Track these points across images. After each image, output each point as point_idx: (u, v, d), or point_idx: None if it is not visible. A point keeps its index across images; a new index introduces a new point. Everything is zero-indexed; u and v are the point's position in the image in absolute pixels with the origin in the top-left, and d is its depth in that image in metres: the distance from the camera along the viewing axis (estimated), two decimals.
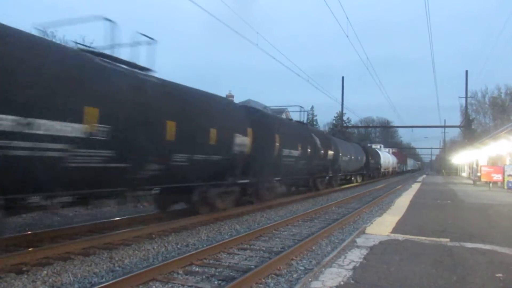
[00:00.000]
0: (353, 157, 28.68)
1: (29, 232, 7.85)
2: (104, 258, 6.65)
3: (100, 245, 7.33)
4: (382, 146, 60.99)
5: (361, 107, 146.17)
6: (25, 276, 5.58)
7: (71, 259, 6.47)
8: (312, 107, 71.29)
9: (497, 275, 5.33)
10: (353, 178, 31.38)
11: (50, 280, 5.47)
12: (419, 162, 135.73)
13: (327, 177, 21.91)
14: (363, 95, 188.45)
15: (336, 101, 43.46)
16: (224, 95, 14.28)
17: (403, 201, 15.20)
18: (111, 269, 6.13)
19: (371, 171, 37.95)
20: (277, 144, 13.89)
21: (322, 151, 19.21)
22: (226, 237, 8.62)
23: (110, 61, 7.51)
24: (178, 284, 5.44)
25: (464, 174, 56.07)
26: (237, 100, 16.55)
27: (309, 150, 17.12)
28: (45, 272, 5.77)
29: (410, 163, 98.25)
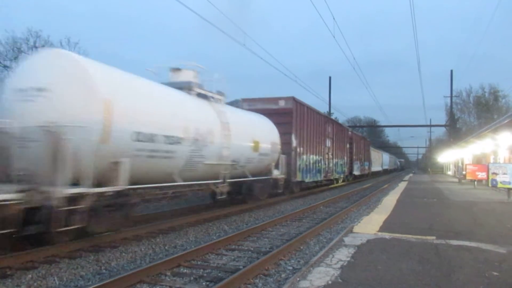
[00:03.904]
0: None
1: (13, 235, 7.70)
2: (90, 261, 6.57)
3: (87, 247, 7.24)
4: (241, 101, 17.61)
5: (349, 107, 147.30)
6: (9, 280, 5.49)
7: (56, 262, 6.38)
8: None
9: (482, 271, 5.41)
10: None
11: (35, 284, 5.39)
12: (402, 160, 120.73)
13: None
14: (351, 95, 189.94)
15: (324, 101, 43.63)
16: None
17: (390, 200, 15.34)
18: (97, 272, 6.07)
19: None
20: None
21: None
22: (214, 238, 8.60)
23: None
24: (166, 285, 5.41)
25: (450, 173, 56.81)
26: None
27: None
28: (30, 276, 5.68)
29: (384, 159, 62.11)
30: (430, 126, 60.43)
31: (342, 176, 28.27)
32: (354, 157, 32.39)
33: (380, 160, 56.24)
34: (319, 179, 21.71)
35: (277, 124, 15.32)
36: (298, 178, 17.91)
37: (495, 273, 5.32)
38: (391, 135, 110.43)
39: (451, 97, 43.86)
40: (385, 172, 65.35)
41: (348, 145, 29.85)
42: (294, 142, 17.33)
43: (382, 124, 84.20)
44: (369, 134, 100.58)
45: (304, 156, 18.58)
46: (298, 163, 17.62)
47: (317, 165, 20.81)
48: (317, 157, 20.83)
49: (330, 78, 45.88)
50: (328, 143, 23.31)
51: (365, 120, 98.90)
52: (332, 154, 24.29)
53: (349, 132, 31.77)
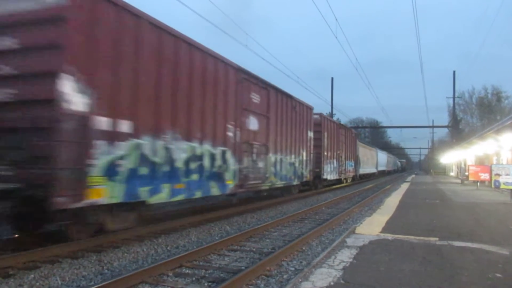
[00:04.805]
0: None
1: (16, 236, 7.73)
2: (92, 261, 6.58)
3: (89, 247, 7.25)
4: None
5: (351, 108, 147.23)
6: (12, 280, 5.50)
7: (59, 262, 6.38)
8: None
9: (485, 273, 5.39)
10: None
11: (38, 283, 5.39)
12: (403, 160, 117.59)
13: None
14: (353, 96, 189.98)
15: (326, 101, 43.74)
16: None
17: (393, 201, 15.32)
18: (99, 272, 6.07)
19: None
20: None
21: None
22: (216, 238, 8.59)
23: None
24: (168, 286, 5.41)
25: (452, 174, 56.71)
26: None
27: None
28: (32, 275, 5.69)
29: (380, 158, 52.57)
30: (433, 127, 60.46)
31: (296, 183, 17.03)
32: (325, 153, 21.51)
33: (373, 159, 45.65)
34: (215, 193, 10.41)
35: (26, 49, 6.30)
36: (102, 195, 6.68)
37: (498, 275, 5.30)
38: (393, 136, 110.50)
39: (454, 98, 43.88)
40: (382, 174, 55.23)
41: (312, 135, 18.72)
42: (79, 101, 6.20)
43: (385, 125, 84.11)
44: (371, 135, 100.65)
45: (146, 142, 7.68)
46: (100, 157, 6.63)
47: (209, 163, 9.92)
48: (208, 146, 9.85)
49: (332, 79, 45.91)
50: (255, 124, 12.63)
51: (367, 121, 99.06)
52: (268, 146, 13.53)
53: (317, 116, 20.42)
